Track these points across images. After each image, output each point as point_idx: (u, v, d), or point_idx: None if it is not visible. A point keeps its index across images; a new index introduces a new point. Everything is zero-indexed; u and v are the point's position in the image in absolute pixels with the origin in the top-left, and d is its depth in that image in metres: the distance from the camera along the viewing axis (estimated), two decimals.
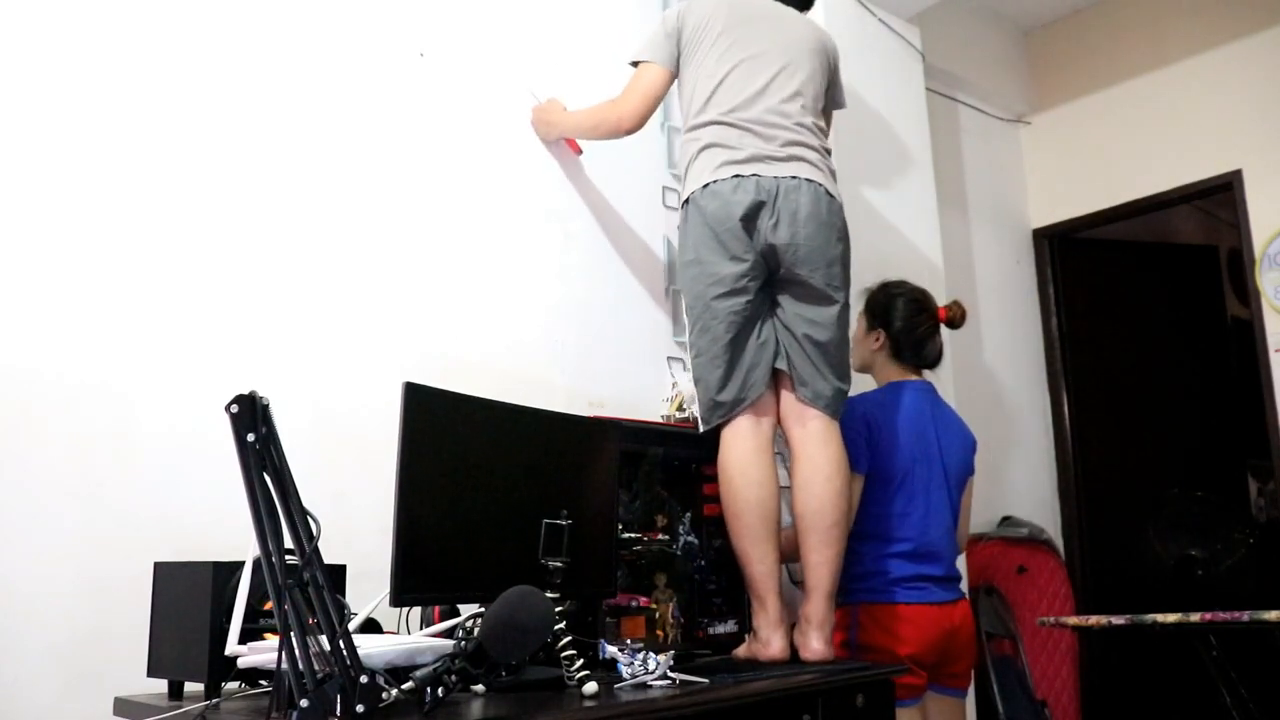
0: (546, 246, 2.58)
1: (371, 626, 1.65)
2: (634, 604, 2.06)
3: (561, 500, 1.72)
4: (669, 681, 1.60)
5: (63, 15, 1.94)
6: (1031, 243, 4.34)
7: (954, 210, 3.85)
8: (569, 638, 1.56)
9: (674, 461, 2.25)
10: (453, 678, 1.29)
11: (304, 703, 1.10)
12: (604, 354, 2.58)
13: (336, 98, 2.28)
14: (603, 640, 1.74)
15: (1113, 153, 4.12)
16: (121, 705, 1.55)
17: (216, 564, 1.49)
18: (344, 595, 1.68)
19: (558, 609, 1.54)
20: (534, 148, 2.61)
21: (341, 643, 1.14)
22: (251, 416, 1.21)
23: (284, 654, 1.14)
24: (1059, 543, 3.95)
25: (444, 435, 1.63)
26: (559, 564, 1.62)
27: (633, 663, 1.63)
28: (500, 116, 2.56)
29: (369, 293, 2.24)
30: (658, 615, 2.11)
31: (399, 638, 1.56)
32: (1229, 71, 3.80)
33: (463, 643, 1.34)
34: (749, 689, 1.66)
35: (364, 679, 1.13)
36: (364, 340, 2.20)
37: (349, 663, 1.13)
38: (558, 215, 2.62)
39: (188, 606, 1.50)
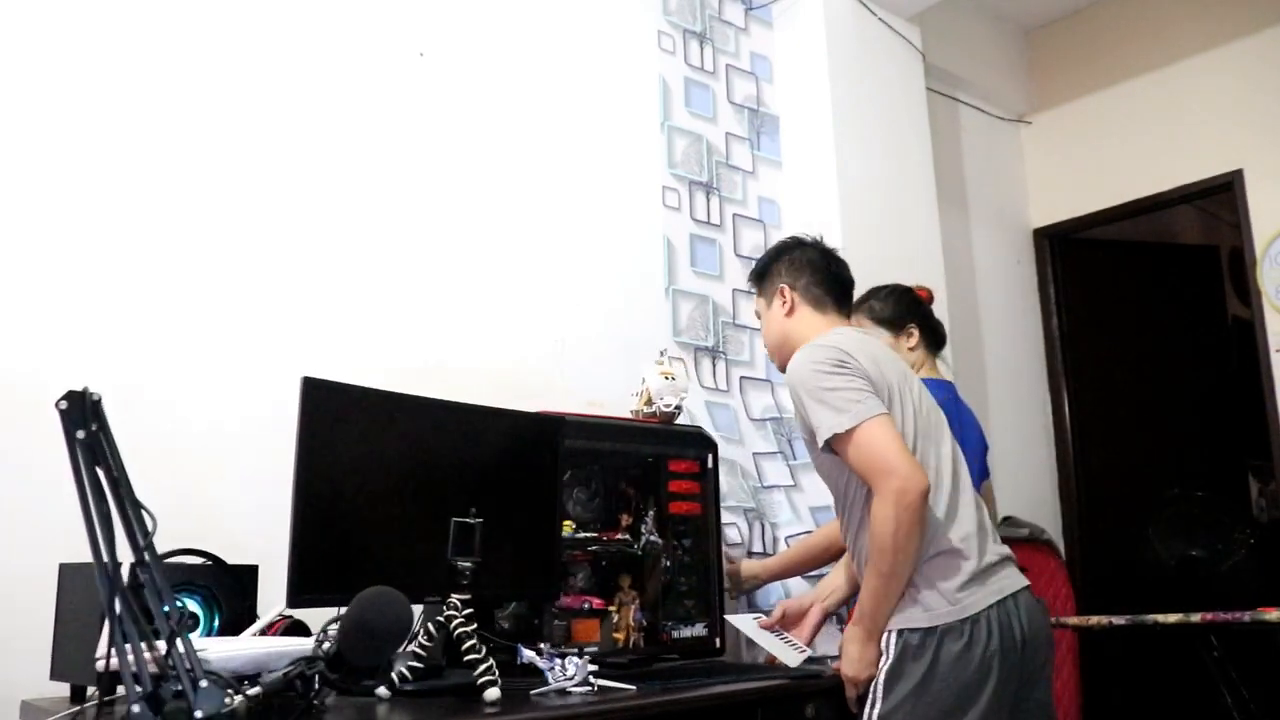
0: (547, 246, 2.57)
1: (298, 629, 1.62)
2: (586, 606, 1.97)
3: (490, 497, 1.67)
4: (590, 688, 1.52)
5: (65, 16, 1.94)
6: (1031, 243, 4.33)
7: (954, 210, 3.84)
8: (472, 640, 1.49)
9: (647, 458, 2.18)
10: (311, 682, 1.21)
11: (135, 708, 1.03)
12: (604, 353, 2.58)
13: (337, 98, 2.28)
14: (519, 644, 1.64)
15: (1113, 153, 4.11)
16: (26, 709, 1.52)
17: (117, 564, 1.45)
18: (256, 597, 1.65)
19: (467, 611, 1.50)
20: (533, 147, 2.61)
21: (180, 646, 1.06)
22: (81, 412, 1.15)
23: (119, 659, 1.06)
24: (1059, 543, 3.95)
25: (350, 431, 1.58)
26: (469, 564, 1.55)
27: (553, 667, 1.55)
28: (500, 116, 2.56)
29: (369, 293, 2.24)
30: (617, 618, 2.02)
31: (255, 640, 1.50)
32: (1229, 71, 3.79)
33: (322, 645, 1.26)
34: (676, 698, 1.55)
35: (204, 684, 1.05)
36: (363, 341, 2.20)
37: (188, 667, 1.06)
38: (557, 214, 2.62)
39: (88, 608, 1.45)
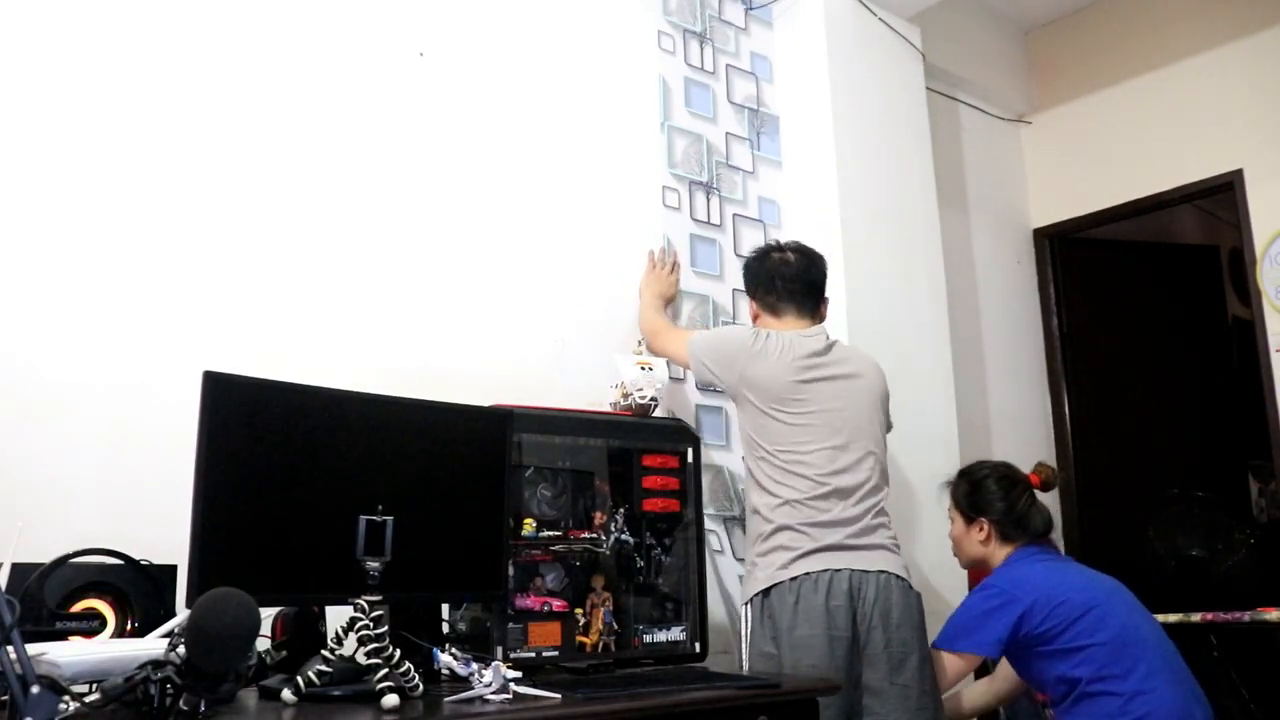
0: (547, 246, 2.57)
1: None
2: (547, 608, 1.90)
3: (424, 494, 1.64)
4: (508, 696, 1.45)
5: (64, 15, 1.94)
6: (1032, 243, 4.33)
7: (954, 210, 3.84)
8: (374, 645, 1.45)
9: (619, 453, 2.11)
10: (163, 687, 1.16)
11: None
12: (605, 354, 2.57)
13: (336, 97, 2.28)
14: (435, 649, 1.58)
15: (1113, 152, 4.11)
16: None
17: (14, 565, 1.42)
18: (174, 598, 1.61)
19: (375, 613, 1.45)
20: (533, 147, 2.61)
21: (13, 650, 1.02)
22: None
23: None
24: (1059, 543, 3.94)
25: (257, 426, 1.53)
26: (377, 564, 1.52)
27: (471, 673, 1.48)
28: (500, 116, 2.56)
29: (368, 294, 2.24)
30: (585, 621, 1.95)
31: (110, 644, 1.44)
32: (1229, 71, 3.79)
33: (175, 649, 1.20)
34: (601, 709, 1.45)
35: (35, 689, 1.00)
36: (362, 343, 2.20)
37: (19, 672, 1.02)
38: (558, 215, 2.62)
39: None
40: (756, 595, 2.11)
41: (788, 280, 2.34)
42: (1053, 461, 4.11)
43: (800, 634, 2.02)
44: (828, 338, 2.30)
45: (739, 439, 2.35)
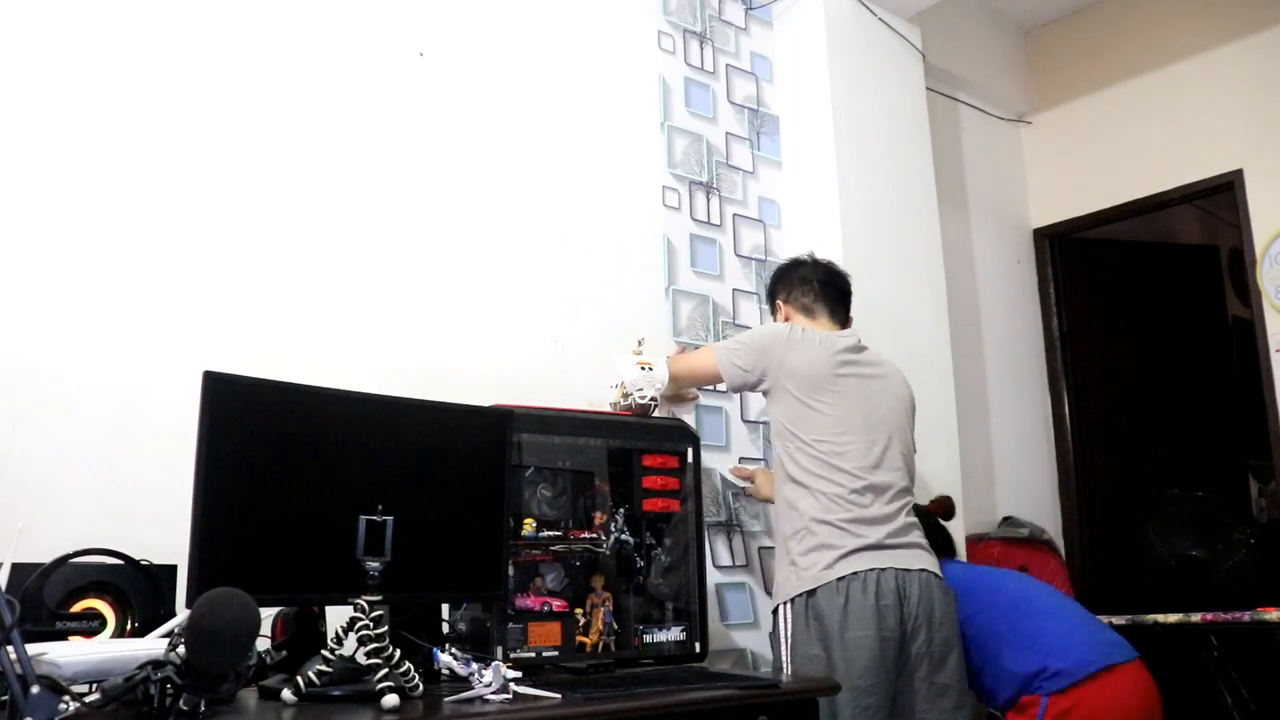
0: (546, 246, 2.58)
1: None
2: (547, 608, 1.89)
3: (424, 494, 1.64)
4: (508, 696, 1.44)
5: (64, 16, 1.94)
6: (1031, 243, 4.33)
7: (954, 210, 3.84)
8: (374, 644, 1.44)
9: (619, 453, 2.09)
10: (163, 687, 1.16)
11: None
12: (604, 354, 2.57)
13: (336, 97, 2.28)
14: (435, 649, 1.57)
15: (1113, 153, 4.11)
16: None
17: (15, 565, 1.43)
18: (174, 597, 1.61)
19: (375, 613, 1.45)
20: (533, 147, 2.61)
21: (12, 650, 1.02)
22: None
23: None
24: (1059, 543, 3.95)
25: (257, 426, 1.52)
26: (377, 564, 1.51)
27: (471, 673, 1.48)
28: (500, 116, 2.56)
29: (368, 294, 2.24)
30: (584, 621, 1.94)
31: (110, 644, 1.43)
32: (1229, 71, 3.79)
33: (175, 649, 1.20)
34: (602, 709, 1.45)
35: (35, 689, 1.01)
36: (361, 343, 2.20)
37: (19, 672, 1.02)
38: (557, 215, 2.62)
39: None
40: (799, 596, 2.09)
41: (823, 283, 2.41)
42: (1053, 461, 4.12)
43: (852, 635, 2.01)
44: (859, 340, 2.33)
45: (775, 433, 2.28)
